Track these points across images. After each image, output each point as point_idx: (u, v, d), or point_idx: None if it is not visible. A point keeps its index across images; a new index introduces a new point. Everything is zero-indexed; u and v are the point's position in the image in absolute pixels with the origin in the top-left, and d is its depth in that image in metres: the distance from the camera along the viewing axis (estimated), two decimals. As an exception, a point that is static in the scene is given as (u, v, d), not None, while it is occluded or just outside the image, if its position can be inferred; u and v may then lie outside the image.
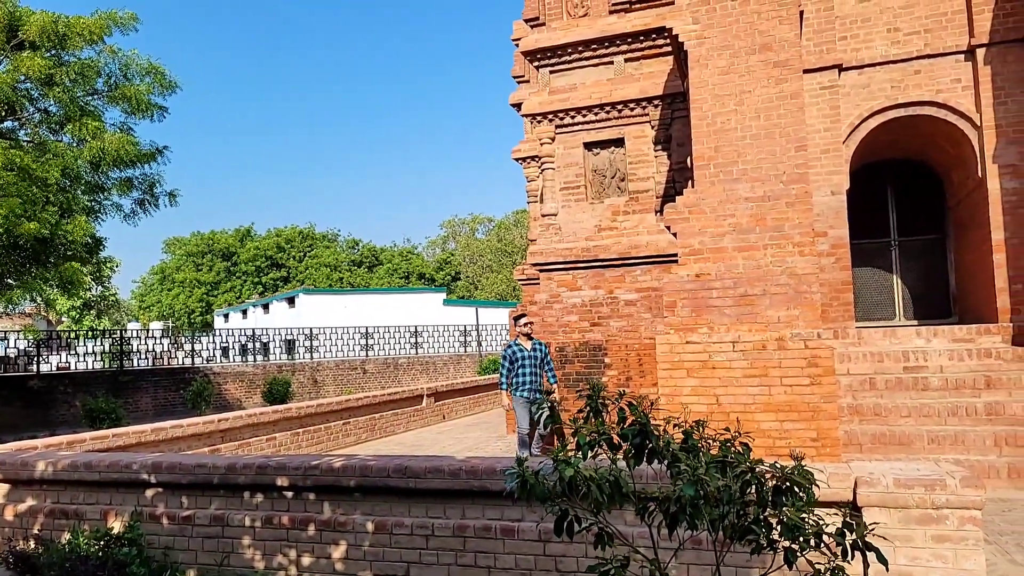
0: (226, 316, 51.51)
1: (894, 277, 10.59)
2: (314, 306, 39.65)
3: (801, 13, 7.55)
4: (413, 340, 30.11)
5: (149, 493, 5.47)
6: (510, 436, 12.22)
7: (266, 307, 45.67)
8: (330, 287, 54.47)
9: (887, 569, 2.65)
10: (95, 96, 15.95)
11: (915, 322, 10.27)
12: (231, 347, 26.14)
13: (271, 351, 27.54)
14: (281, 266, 60.21)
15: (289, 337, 28.57)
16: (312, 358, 27.37)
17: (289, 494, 5.07)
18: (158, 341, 24.84)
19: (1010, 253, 8.36)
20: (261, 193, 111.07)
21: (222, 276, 59.14)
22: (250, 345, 27.04)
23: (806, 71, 8.54)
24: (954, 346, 8.23)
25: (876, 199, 10.63)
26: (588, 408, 2.91)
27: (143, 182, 17.04)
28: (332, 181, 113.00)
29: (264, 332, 28.22)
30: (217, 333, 27.74)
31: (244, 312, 48.88)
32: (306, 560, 4.94)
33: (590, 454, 2.70)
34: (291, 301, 42.57)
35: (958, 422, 7.48)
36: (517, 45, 11.97)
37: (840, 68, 8.95)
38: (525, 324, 8.50)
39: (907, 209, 10.65)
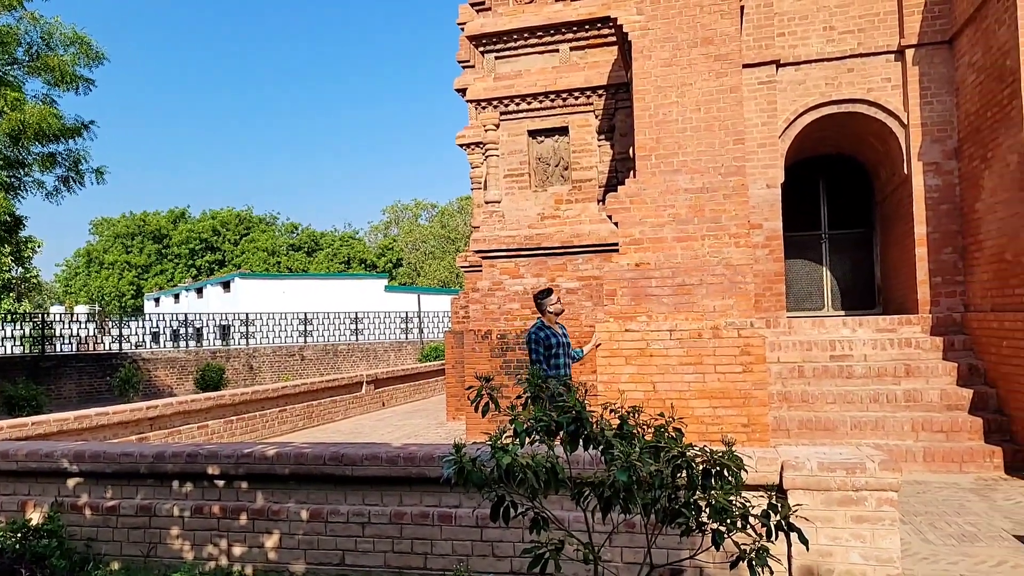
0: (157, 300, 49.72)
1: (823, 269, 10.98)
2: (250, 291, 38.58)
3: (742, 8, 7.70)
4: (353, 326, 29.71)
5: (71, 483, 5.26)
6: (450, 423, 12.21)
7: (200, 291, 44.24)
8: (267, 271, 53.14)
9: (807, 548, 2.76)
10: (14, 66, 15.08)
11: (842, 312, 10.68)
12: (162, 332, 25.22)
13: (204, 336, 26.70)
14: (216, 249, 58.37)
15: (224, 322, 27.77)
16: (248, 344, 26.70)
17: (220, 483, 4.94)
18: (83, 325, 23.77)
19: (931, 247, 8.77)
20: (197, 175, 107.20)
21: (153, 259, 57.02)
22: (182, 330, 26.18)
23: (745, 66, 8.72)
24: (877, 336, 8.60)
25: (808, 193, 10.98)
26: (526, 395, 2.92)
27: (67, 158, 16.23)
28: (272, 165, 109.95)
29: (197, 317, 27.35)
30: (147, 318, 26.72)
31: (176, 296, 47.26)
32: (237, 550, 4.83)
33: (527, 440, 2.71)
34: (226, 285, 41.30)
35: (879, 408, 7.83)
36: (463, 29, 11.86)
37: (778, 64, 9.17)
38: (557, 300, 6.71)
39: (837, 203, 11.04)
